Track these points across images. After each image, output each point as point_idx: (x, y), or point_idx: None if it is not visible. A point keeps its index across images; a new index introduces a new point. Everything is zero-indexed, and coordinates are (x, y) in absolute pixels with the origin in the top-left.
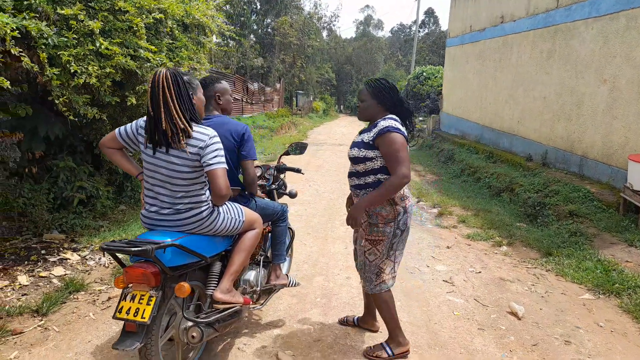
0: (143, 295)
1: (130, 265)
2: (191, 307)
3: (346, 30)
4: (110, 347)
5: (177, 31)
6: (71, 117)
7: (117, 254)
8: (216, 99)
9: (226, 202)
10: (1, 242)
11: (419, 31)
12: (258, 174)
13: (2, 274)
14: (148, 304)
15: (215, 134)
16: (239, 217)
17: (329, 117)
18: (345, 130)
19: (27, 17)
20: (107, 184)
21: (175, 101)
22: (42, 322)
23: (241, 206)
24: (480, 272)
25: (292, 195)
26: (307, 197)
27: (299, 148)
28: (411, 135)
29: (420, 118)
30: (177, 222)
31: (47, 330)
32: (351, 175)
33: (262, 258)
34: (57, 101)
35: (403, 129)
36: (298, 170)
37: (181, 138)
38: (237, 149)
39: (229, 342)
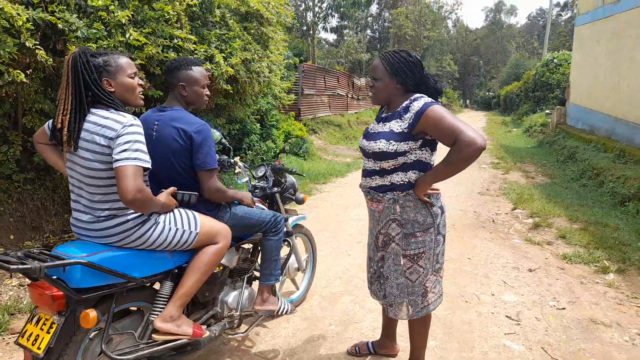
0: (47, 319)
1: (34, 283)
2: (138, 333)
3: (474, 19)
4: None
5: (231, 20)
6: None
7: None
8: (179, 89)
9: (176, 209)
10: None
11: (560, 15)
12: (261, 174)
13: None
14: (48, 332)
15: (134, 122)
16: (189, 228)
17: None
18: None
19: (55, 9)
20: None
21: (70, 90)
22: None
23: (197, 215)
24: (564, 308)
25: (299, 201)
26: None
27: (298, 145)
28: None
29: (547, 111)
30: (99, 232)
31: None
32: (371, 174)
33: (247, 276)
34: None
35: None
36: (293, 172)
37: (64, 136)
38: (189, 152)
39: None
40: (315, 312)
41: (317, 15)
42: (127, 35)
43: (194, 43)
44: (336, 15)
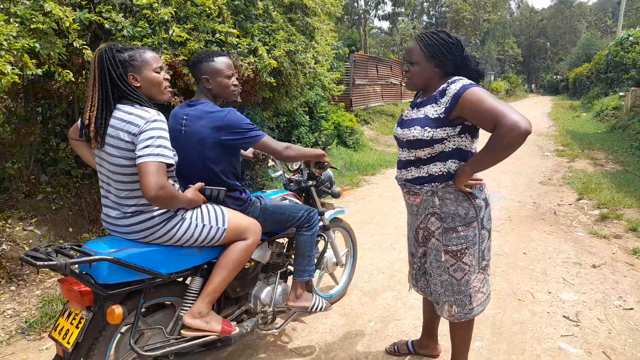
0: (77, 314)
1: (63, 278)
2: (169, 328)
3: None
4: None
5: (274, 12)
6: None
7: None
8: (203, 82)
9: (204, 205)
10: None
11: None
12: (296, 167)
13: None
14: (77, 327)
15: (158, 117)
16: (216, 224)
17: (513, 97)
18: (521, 112)
19: (102, 9)
20: None
21: (97, 86)
22: None
23: (226, 210)
24: (632, 308)
25: (335, 195)
26: None
27: (332, 137)
28: None
29: (621, 93)
30: (126, 229)
31: None
32: (407, 165)
33: (281, 272)
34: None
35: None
36: (327, 166)
37: (92, 133)
38: (220, 146)
39: None
40: (355, 308)
41: (369, 3)
42: (170, 32)
43: (237, 37)
44: (389, 2)
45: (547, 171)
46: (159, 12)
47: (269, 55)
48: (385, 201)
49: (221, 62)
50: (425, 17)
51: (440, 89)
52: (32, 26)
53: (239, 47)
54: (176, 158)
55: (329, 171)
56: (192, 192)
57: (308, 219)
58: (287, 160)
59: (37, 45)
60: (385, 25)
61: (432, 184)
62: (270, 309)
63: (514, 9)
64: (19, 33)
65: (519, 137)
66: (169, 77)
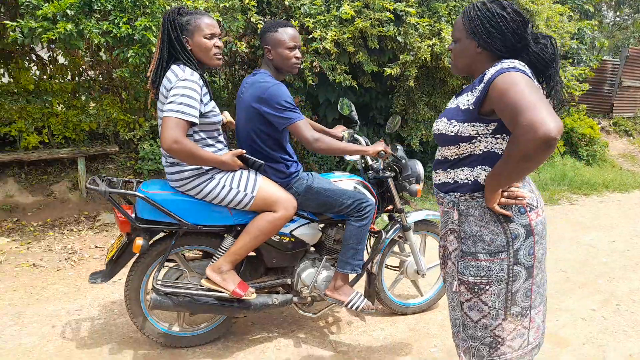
0: (121, 238)
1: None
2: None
3: None
4: None
5: None
6: (310, 82)
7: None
8: (265, 52)
9: (240, 170)
10: None
11: None
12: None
13: None
14: (117, 248)
15: (190, 77)
16: (244, 190)
17: None
18: None
19: None
20: None
21: (163, 44)
22: None
23: (261, 179)
24: None
25: (412, 193)
26: (614, 232)
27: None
28: (550, 98)
29: None
30: (168, 176)
31: None
32: (436, 166)
33: (333, 257)
34: (302, 66)
35: (528, 71)
36: (397, 156)
37: (149, 84)
38: (262, 117)
39: (267, 336)
40: (429, 327)
41: None
42: (340, 9)
43: (419, 16)
44: None
45: None
46: None
47: None
48: (569, 228)
49: (284, 32)
50: None
51: (481, 75)
52: (221, 4)
53: (419, 28)
54: (218, 118)
55: (419, 165)
56: (228, 156)
57: (358, 209)
58: (317, 152)
59: (220, 19)
60: None
61: (457, 192)
62: (307, 291)
63: None
64: (210, 8)
65: (535, 143)
66: (220, 44)
